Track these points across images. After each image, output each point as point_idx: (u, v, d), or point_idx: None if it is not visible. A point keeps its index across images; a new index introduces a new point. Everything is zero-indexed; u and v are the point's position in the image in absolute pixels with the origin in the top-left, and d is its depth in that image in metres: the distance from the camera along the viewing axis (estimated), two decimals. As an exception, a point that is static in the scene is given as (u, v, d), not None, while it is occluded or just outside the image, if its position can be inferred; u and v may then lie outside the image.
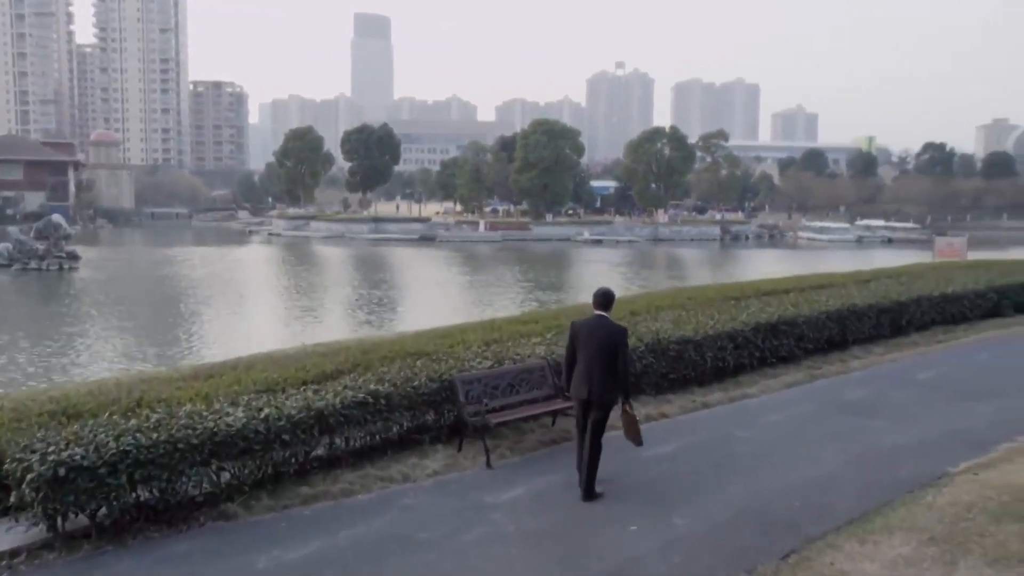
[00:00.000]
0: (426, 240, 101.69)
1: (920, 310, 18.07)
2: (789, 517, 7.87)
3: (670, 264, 78.76)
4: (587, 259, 79.60)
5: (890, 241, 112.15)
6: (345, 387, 9.16)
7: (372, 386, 9.22)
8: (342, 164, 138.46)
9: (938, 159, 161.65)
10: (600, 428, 8.18)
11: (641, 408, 11.58)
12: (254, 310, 42.90)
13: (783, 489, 8.61)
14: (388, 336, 15.36)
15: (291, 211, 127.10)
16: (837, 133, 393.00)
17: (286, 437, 8.15)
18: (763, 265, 73.79)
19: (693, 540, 7.43)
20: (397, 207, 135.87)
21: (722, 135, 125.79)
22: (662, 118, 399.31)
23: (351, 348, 11.80)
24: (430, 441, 9.78)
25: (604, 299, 8.38)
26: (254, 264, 73.17)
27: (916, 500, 8.33)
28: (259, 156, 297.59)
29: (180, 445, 7.33)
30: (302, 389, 9.14)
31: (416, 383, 9.53)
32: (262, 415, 8.06)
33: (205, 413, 7.91)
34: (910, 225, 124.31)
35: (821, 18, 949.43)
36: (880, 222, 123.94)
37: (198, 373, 10.73)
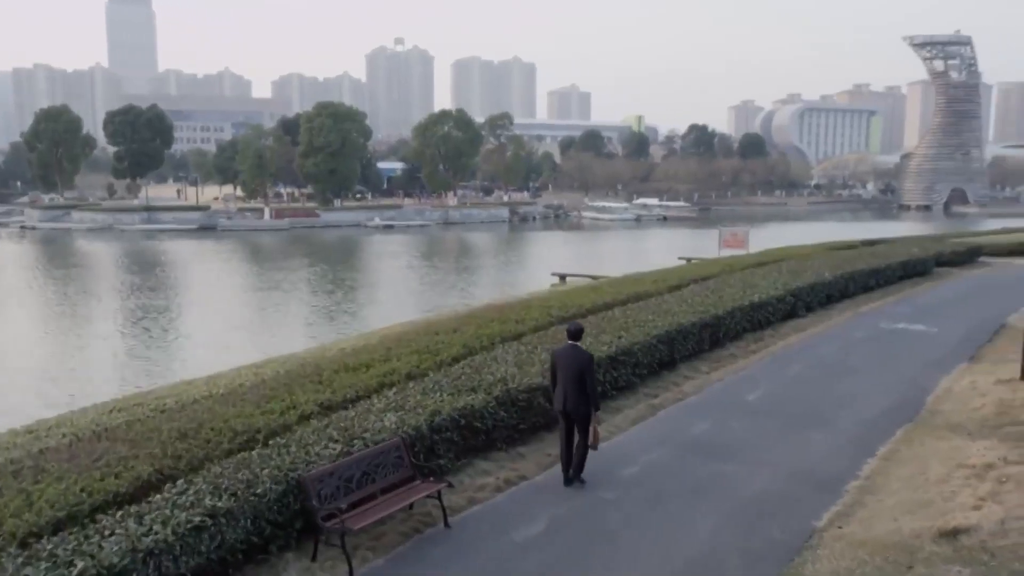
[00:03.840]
0: (206, 230, 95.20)
1: (734, 321, 18.90)
2: (688, 618, 7.48)
3: (463, 252, 78.86)
4: (379, 250, 77.94)
5: (665, 219, 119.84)
6: (174, 506, 7.63)
7: (207, 500, 7.76)
8: (105, 145, 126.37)
9: (701, 139, 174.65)
10: (586, 431, 10.36)
11: (496, 471, 10.98)
12: (8, 336, 37.32)
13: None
14: (200, 392, 13.54)
15: (47, 199, 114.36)
16: (608, 112, 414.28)
17: (108, 595, 6.60)
18: (556, 250, 76.00)
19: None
20: (179, 192, 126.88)
21: (507, 117, 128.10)
22: (443, 95, 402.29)
23: (162, 430, 10.06)
24: (278, 550, 8.48)
25: (576, 333, 10.66)
26: (3, 268, 64.75)
27: (798, 571, 8.27)
28: (1, 133, 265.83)
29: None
30: (119, 515, 7.49)
31: (259, 489, 8.16)
32: (75, 573, 6.44)
33: (-4, 586, 6.20)
34: (681, 204, 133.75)
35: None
36: (655, 201, 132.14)
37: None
